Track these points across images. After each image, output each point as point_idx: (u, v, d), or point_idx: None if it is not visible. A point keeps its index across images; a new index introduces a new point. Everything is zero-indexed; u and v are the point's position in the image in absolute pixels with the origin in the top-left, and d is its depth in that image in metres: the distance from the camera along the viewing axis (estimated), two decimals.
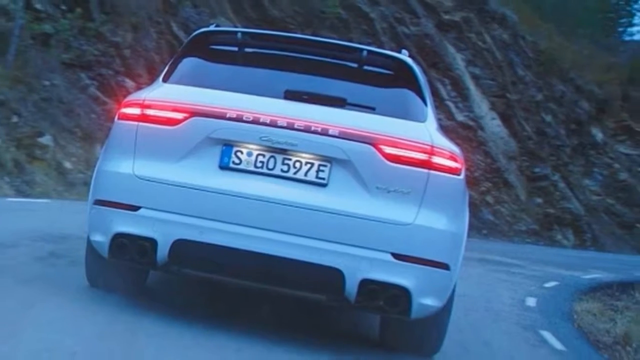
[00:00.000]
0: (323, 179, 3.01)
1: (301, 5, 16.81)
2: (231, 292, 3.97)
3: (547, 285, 8.89)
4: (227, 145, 3.04)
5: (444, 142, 3.12)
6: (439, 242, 3.02)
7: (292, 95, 3.16)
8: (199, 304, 3.82)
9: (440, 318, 3.27)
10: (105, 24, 12.00)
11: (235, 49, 3.56)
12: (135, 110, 3.13)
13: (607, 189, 23.45)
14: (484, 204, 19.13)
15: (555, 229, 20.95)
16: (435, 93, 16.00)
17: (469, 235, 3.35)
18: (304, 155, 3.01)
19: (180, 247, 2.98)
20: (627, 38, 33.61)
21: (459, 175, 3.09)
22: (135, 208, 3.02)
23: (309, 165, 3.02)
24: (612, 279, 10.83)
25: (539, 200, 21.03)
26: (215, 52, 3.62)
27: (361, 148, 2.99)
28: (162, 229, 2.98)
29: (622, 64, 26.26)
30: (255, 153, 3.03)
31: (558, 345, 4.98)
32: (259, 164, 3.03)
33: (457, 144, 3.27)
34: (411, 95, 3.36)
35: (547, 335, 5.27)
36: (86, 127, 11.13)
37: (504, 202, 19.98)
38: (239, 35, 3.57)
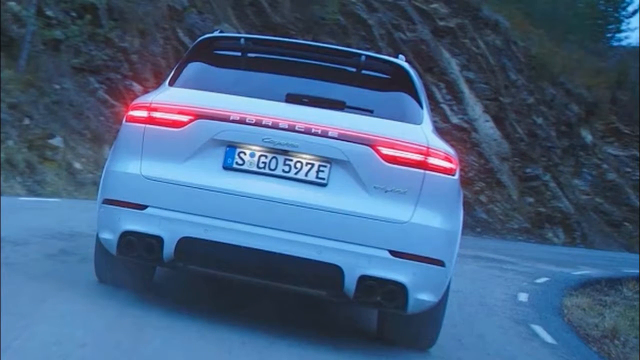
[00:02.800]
0: (323, 179, 3.06)
1: (302, 12, 16.93)
2: (235, 288, 4.02)
3: (538, 281, 8.98)
4: (231, 147, 3.09)
5: (439, 144, 3.17)
6: (435, 239, 3.08)
7: (293, 99, 3.21)
8: (204, 299, 3.88)
9: (435, 313, 3.33)
10: (113, 30, 12.09)
11: (239, 54, 3.63)
12: (143, 113, 3.19)
13: (596, 189, 23.71)
14: (478, 203, 19.30)
15: (546, 227, 21.16)
16: (430, 96, 16.17)
17: (463, 233, 3.40)
18: (304, 156, 3.07)
19: (186, 244, 3.03)
20: (615, 43, 33.73)
21: (453, 175, 3.15)
22: (143, 207, 3.08)
23: (309, 166, 3.07)
24: (600, 275, 10.92)
25: (531, 199, 21.23)
26: (219, 57, 3.68)
27: (360, 149, 3.05)
28: (169, 227, 3.03)
29: (610, 69, 26.53)
30: (257, 154, 3.08)
31: (549, 338, 5.05)
32: (261, 165, 3.08)
33: (452, 146, 3.32)
34: (408, 98, 3.42)
35: (538, 329, 5.34)
36: (95, 129, 11.21)
37: (497, 201, 20.15)
38: (242, 40, 3.64)
